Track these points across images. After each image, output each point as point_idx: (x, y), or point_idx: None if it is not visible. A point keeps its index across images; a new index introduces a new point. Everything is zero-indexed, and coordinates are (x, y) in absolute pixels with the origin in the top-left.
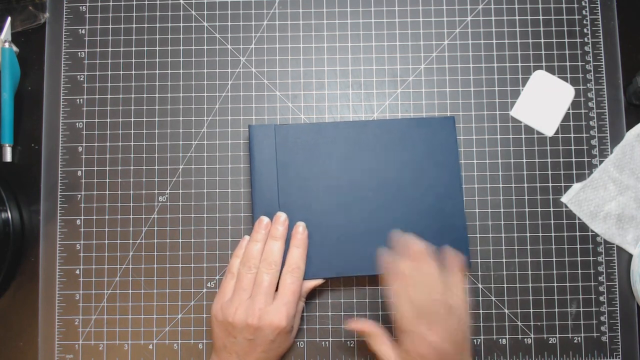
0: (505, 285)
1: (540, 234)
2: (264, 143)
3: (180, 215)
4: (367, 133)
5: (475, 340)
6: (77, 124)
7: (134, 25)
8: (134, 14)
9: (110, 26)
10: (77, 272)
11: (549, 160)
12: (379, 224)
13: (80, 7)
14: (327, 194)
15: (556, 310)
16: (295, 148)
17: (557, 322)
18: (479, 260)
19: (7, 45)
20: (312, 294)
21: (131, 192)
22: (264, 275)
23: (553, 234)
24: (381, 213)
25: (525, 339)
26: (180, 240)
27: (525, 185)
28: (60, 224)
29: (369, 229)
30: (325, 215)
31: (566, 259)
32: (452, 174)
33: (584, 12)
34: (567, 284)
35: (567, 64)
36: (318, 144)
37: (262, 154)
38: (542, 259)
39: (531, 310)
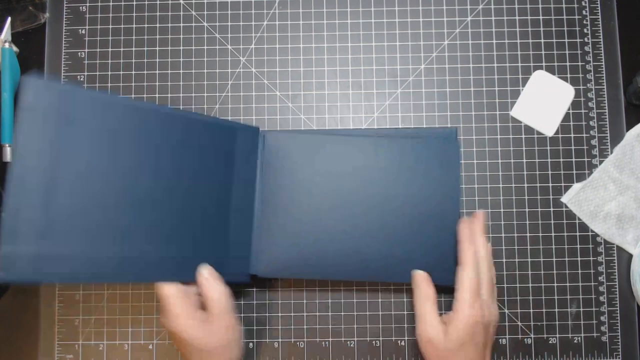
0: (505, 285)
1: (540, 234)
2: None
3: None
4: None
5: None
6: None
7: (134, 25)
8: (134, 14)
9: (110, 26)
10: None
11: (549, 160)
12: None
13: (80, 7)
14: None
15: (556, 310)
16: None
17: (557, 322)
18: None
19: (7, 45)
20: (312, 294)
21: None
22: None
23: (553, 234)
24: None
25: (525, 339)
26: None
27: (525, 185)
28: None
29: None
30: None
31: (566, 259)
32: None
33: (584, 12)
34: (567, 284)
35: (567, 64)
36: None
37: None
38: (542, 259)
39: (531, 310)
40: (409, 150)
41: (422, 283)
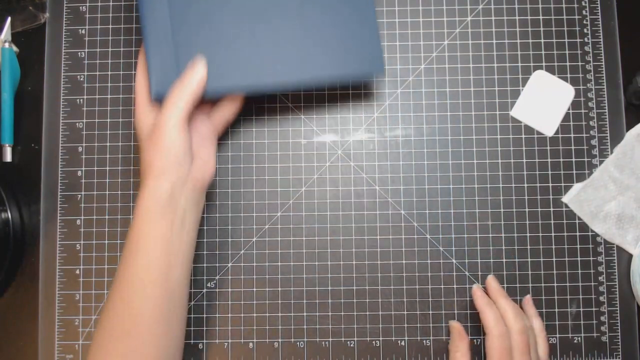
0: (505, 285)
1: (540, 234)
2: None
3: None
4: None
5: (475, 340)
6: (77, 124)
7: (134, 25)
8: (134, 14)
9: (110, 26)
10: (77, 272)
11: (549, 160)
12: (283, 31)
13: (80, 7)
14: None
15: (556, 310)
16: None
17: (557, 322)
18: (479, 260)
19: (7, 45)
20: (312, 294)
21: (131, 192)
22: None
23: (553, 234)
24: (286, 19)
25: None
26: None
27: (525, 185)
28: (60, 224)
29: (272, 37)
30: (226, 27)
31: (566, 259)
32: None
33: (584, 12)
34: (567, 284)
35: (567, 64)
36: None
37: None
38: (542, 259)
39: None
40: None
41: (455, 334)
